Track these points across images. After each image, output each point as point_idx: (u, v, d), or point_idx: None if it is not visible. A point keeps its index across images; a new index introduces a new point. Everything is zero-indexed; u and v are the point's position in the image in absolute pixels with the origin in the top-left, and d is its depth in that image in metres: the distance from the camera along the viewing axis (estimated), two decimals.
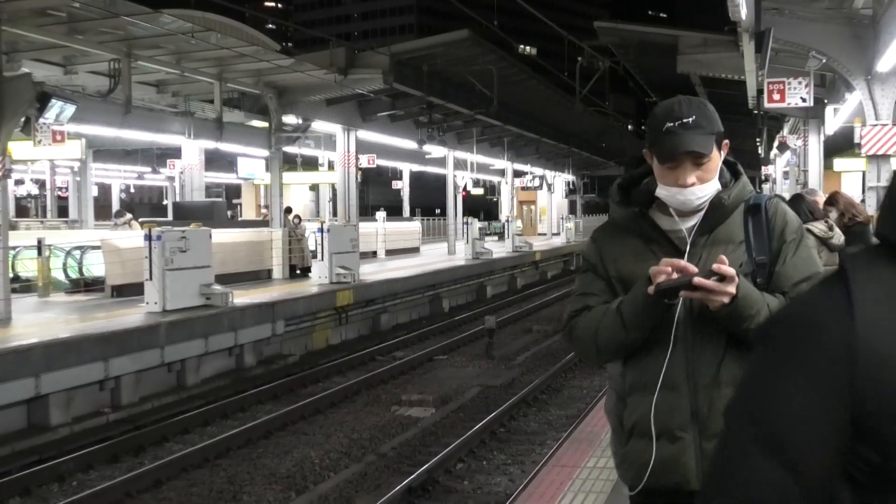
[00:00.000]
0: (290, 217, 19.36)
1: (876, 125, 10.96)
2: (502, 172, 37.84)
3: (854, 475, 1.00)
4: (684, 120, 2.10)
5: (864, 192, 12.75)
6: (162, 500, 8.11)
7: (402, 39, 38.27)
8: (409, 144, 24.94)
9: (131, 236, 14.83)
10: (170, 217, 24.66)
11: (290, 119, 19.15)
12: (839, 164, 21.92)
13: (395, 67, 18.63)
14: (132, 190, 40.83)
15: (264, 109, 18.69)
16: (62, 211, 29.80)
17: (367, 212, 34.83)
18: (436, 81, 21.46)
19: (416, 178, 37.56)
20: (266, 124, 18.79)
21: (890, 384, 0.96)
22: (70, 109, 12.77)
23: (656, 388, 2.11)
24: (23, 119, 12.51)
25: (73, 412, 10.12)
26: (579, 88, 29.94)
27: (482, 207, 47.54)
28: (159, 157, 27.77)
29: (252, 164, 22.38)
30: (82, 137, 17.72)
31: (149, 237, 12.42)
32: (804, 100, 12.95)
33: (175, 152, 23.10)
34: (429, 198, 46.65)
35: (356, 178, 21.39)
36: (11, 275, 13.53)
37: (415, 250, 29.66)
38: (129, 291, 13.98)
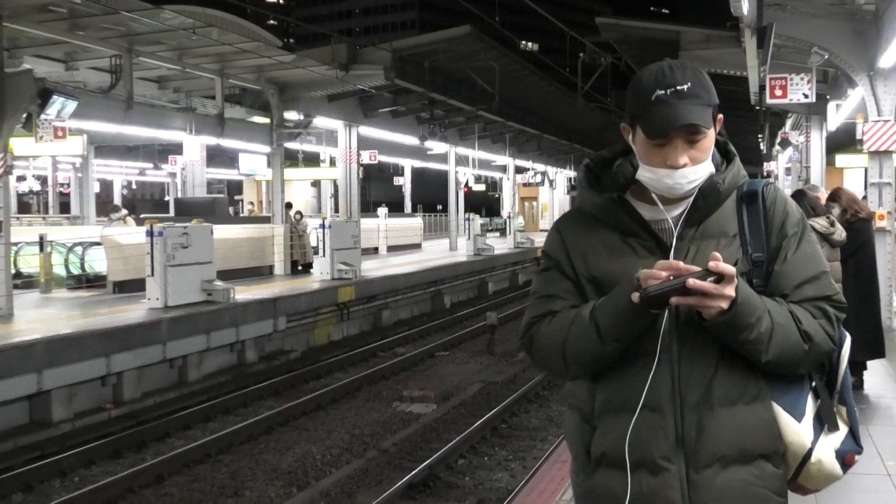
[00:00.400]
0: (291, 213, 19.37)
1: (878, 121, 10.93)
2: (504, 168, 37.84)
3: None
4: (678, 87, 1.75)
5: (866, 188, 12.73)
6: (163, 496, 8.12)
7: (404, 35, 38.26)
8: (411, 140, 24.93)
9: (130, 232, 14.83)
10: (171, 213, 24.68)
11: (291, 115, 19.14)
12: (841, 160, 21.90)
13: (397, 63, 18.61)
14: (134, 186, 40.87)
15: (266, 105, 18.69)
16: (64, 207, 29.82)
17: (368, 208, 34.82)
18: (437, 77, 21.44)
19: (417, 175, 37.56)
20: (267, 120, 18.80)
21: None
22: (71, 105, 12.77)
23: (635, 408, 1.78)
24: (24, 115, 12.52)
25: (75, 408, 10.14)
26: (581, 84, 29.86)
27: (484, 204, 47.57)
28: (161, 153, 27.76)
29: (254, 161, 22.38)
30: (84, 133, 17.76)
31: (150, 233, 12.43)
32: (806, 96, 12.91)
33: (177, 148, 23.06)
34: (430, 194, 46.67)
35: (358, 174, 21.40)
36: (13, 271, 13.54)
37: (416, 246, 29.68)
38: (131, 287, 13.99)
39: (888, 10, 9.81)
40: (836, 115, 15.02)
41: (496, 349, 15.27)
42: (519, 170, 38.53)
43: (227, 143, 18.78)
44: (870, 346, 7.18)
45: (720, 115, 1.84)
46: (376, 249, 26.45)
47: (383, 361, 14.31)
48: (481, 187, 41.29)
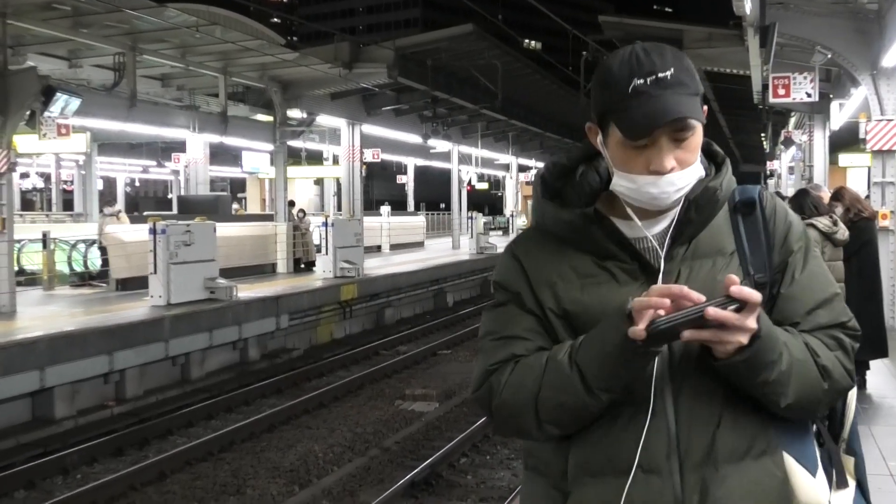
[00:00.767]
0: (294, 211, 19.39)
1: (881, 120, 10.93)
2: (507, 167, 37.84)
3: None
4: (660, 75, 1.40)
5: (869, 187, 12.71)
6: (166, 494, 8.13)
7: (407, 34, 38.25)
8: (414, 139, 24.94)
9: (127, 230, 14.86)
10: (175, 211, 24.71)
11: (294, 113, 19.16)
12: (844, 159, 21.86)
13: (400, 62, 18.62)
14: (137, 183, 40.94)
15: (269, 103, 18.71)
16: (67, 204, 29.87)
17: (371, 206, 34.87)
18: (440, 76, 21.44)
19: (420, 173, 37.57)
20: (271, 118, 18.82)
21: None
22: (75, 103, 12.79)
23: (622, 470, 1.43)
24: (28, 112, 12.54)
25: (78, 405, 10.16)
26: (584, 83, 29.83)
27: (486, 202, 47.54)
28: (164, 150, 27.81)
29: (257, 159, 22.39)
30: (87, 131, 17.79)
31: (154, 231, 12.44)
32: (809, 95, 12.90)
33: (180, 146, 23.13)
34: (433, 192, 46.68)
35: (361, 172, 21.41)
36: (17, 268, 13.57)
37: (419, 245, 29.69)
38: (134, 285, 14.01)
39: (891, 9, 9.80)
40: (840, 114, 15.02)
41: None
42: (522, 168, 38.53)
43: (231, 140, 18.81)
44: (873, 345, 7.17)
45: (705, 107, 1.48)
46: (379, 248, 26.48)
47: (386, 360, 14.31)
48: (484, 186, 41.31)
